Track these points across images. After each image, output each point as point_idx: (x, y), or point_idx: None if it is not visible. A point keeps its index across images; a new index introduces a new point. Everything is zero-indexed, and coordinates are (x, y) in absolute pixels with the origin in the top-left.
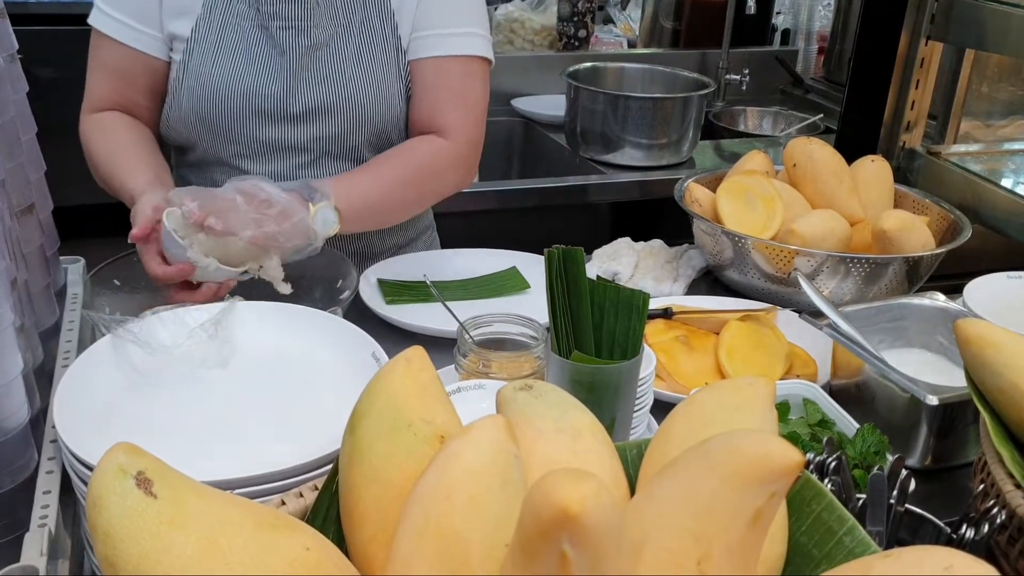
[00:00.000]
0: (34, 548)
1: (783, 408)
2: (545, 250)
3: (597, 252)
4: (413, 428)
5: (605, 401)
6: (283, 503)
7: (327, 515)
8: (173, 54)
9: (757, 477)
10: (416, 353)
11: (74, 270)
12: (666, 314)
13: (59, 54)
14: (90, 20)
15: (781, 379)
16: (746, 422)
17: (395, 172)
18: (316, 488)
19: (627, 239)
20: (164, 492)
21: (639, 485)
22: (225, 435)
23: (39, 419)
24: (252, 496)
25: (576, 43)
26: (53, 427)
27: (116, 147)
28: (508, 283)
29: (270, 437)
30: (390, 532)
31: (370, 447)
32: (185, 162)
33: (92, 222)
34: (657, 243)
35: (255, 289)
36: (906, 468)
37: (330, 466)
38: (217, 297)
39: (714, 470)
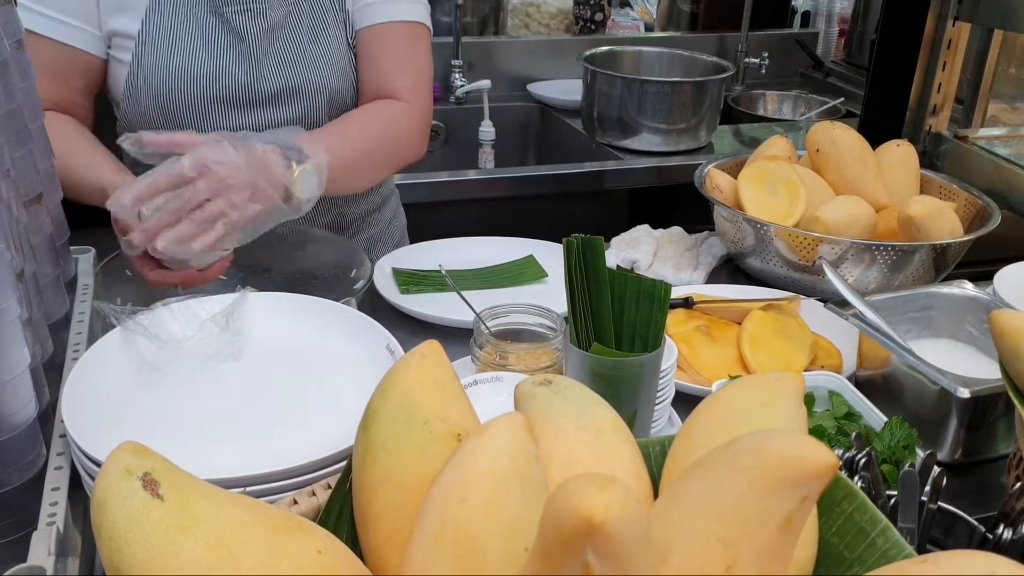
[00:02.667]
0: (41, 547)
1: (808, 400)
2: (564, 240)
3: (615, 240)
4: (428, 426)
5: (626, 395)
6: (295, 502)
7: (340, 515)
8: (115, 51)
9: (788, 480)
10: (431, 348)
11: (84, 260)
12: (687, 303)
13: None
14: (28, 24)
15: (805, 370)
16: (774, 419)
17: (366, 135)
18: (329, 487)
19: (646, 226)
20: (171, 494)
21: (663, 485)
22: (236, 430)
23: (48, 413)
24: (264, 494)
25: (592, 27)
26: (62, 422)
27: (67, 144)
28: (525, 272)
29: (282, 432)
30: (405, 534)
31: (384, 446)
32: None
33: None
34: (676, 230)
35: (268, 280)
36: (938, 464)
37: (344, 463)
38: (208, 276)
39: (742, 472)
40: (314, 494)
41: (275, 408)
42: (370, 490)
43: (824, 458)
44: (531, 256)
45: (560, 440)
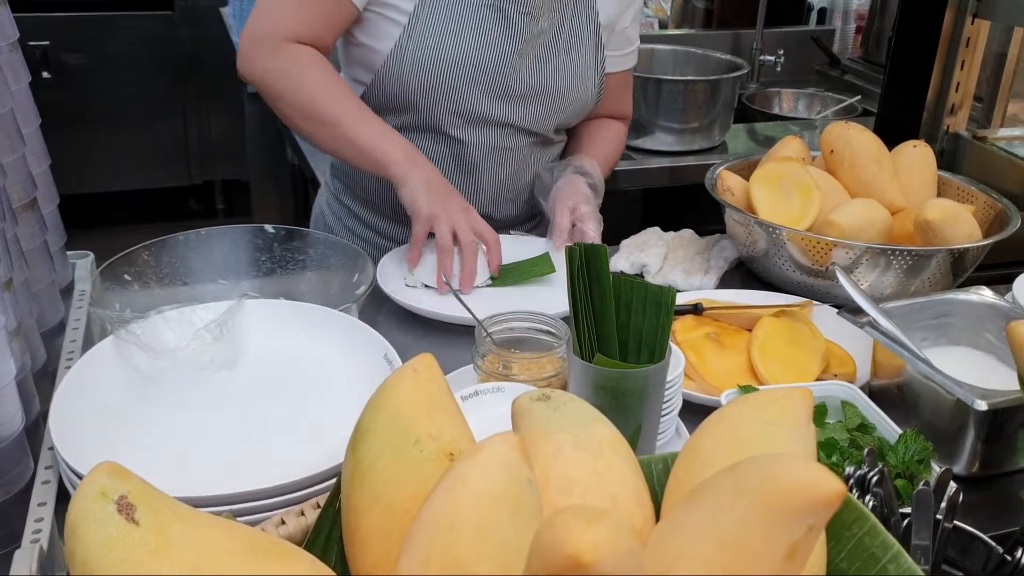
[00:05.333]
0: (23, 566)
1: (820, 411)
2: (566, 247)
3: (625, 243)
4: (420, 445)
5: (631, 407)
6: (283, 522)
7: (330, 536)
8: (384, 10)
9: (793, 508)
10: (424, 362)
11: (82, 265)
12: (696, 309)
13: (87, 40)
14: None
15: (818, 379)
16: (780, 439)
17: (617, 154)
18: (319, 506)
19: (656, 229)
20: (147, 518)
21: (664, 508)
22: (228, 444)
23: (39, 423)
24: (252, 512)
25: None
26: (51, 434)
27: (346, 95)
28: (534, 269)
29: (275, 446)
30: (394, 559)
31: (373, 466)
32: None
33: (117, 209)
34: (687, 233)
35: (269, 283)
36: (954, 479)
37: (335, 480)
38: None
39: (745, 499)
40: (303, 514)
41: (269, 421)
42: (359, 512)
43: (832, 486)
44: (546, 254)
45: (558, 459)
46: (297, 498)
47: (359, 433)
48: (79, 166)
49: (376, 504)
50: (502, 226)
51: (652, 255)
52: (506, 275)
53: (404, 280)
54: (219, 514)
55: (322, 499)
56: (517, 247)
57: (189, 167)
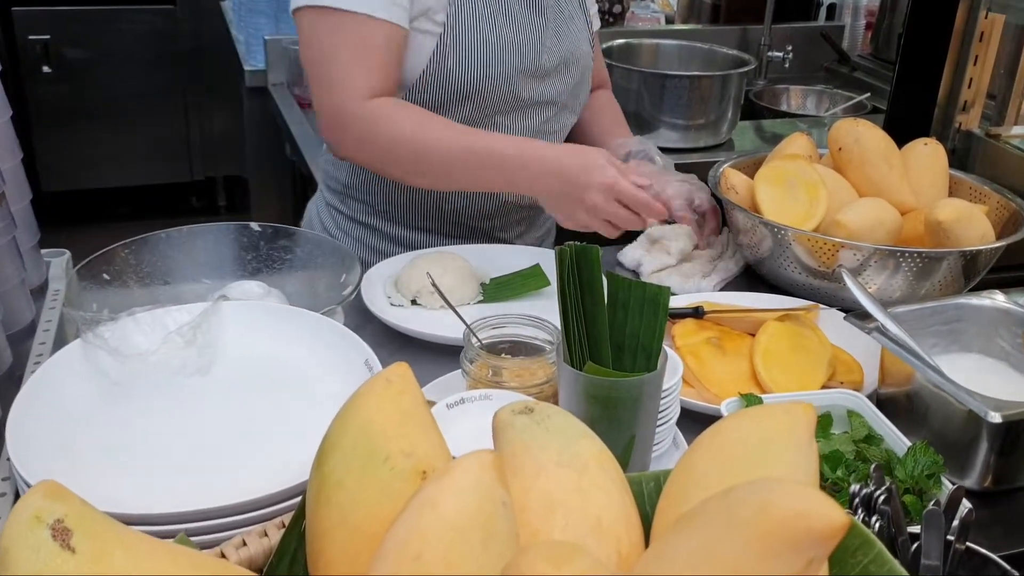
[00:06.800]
0: None
1: (825, 421)
2: (556, 248)
3: (643, 235)
4: (390, 462)
5: (624, 417)
6: (244, 543)
7: (295, 558)
8: (420, 24)
9: (790, 541)
10: (397, 372)
11: (57, 264)
12: (697, 313)
13: (88, 34)
14: (347, 5)
15: (823, 386)
16: (780, 459)
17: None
18: (283, 526)
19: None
20: (84, 545)
21: (655, 530)
22: (196, 456)
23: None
24: (211, 531)
25: (611, 19)
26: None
27: (450, 126)
28: (528, 283)
29: (246, 459)
30: None
31: (339, 485)
32: None
33: (117, 206)
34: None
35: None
36: (965, 496)
37: (301, 498)
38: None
39: (740, 529)
40: (266, 534)
41: (241, 431)
42: (323, 534)
43: (833, 517)
44: (537, 265)
45: (540, 478)
46: (261, 516)
47: (325, 448)
48: (79, 161)
49: (341, 527)
50: (534, 215)
51: (674, 248)
52: (497, 290)
53: (389, 299)
54: (175, 533)
55: (288, 518)
56: (506, 258)
57: (191, 163)
